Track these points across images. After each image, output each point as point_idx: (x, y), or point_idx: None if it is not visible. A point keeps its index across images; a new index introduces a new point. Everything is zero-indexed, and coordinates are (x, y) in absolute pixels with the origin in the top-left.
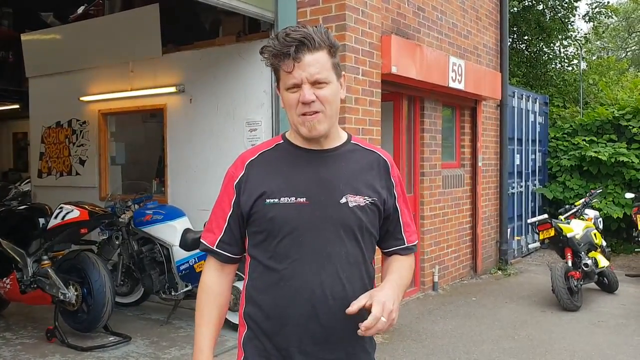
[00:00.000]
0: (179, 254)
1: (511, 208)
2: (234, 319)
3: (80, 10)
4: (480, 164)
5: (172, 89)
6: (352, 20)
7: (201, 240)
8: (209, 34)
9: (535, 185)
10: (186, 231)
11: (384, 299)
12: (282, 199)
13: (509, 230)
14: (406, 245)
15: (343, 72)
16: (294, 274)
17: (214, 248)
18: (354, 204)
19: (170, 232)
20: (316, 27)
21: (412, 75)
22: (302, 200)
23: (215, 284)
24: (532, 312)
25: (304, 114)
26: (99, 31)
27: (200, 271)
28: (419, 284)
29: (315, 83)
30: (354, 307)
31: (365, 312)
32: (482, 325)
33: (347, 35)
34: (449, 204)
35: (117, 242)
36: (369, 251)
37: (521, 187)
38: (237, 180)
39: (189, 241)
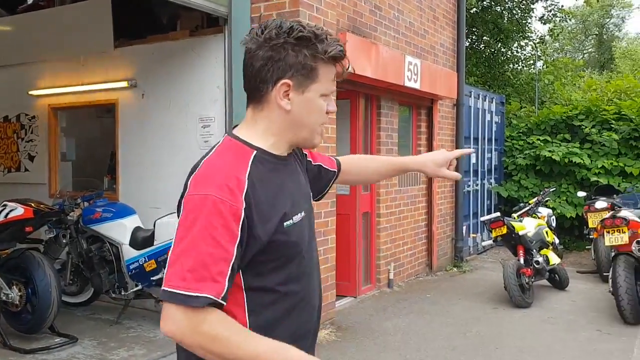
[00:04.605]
0: (128, 252)
1: (467, 206)
2: None
3: (29, 0)
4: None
5: (124, 84)
6: (307, 16)
7: (195, 294)
8: (167, 29)
9: (491, 183)
10: (136, 229)
11: (442, 152)
12: (294, 217)
13: (464, 227)
14: (335, 171)
15: None
16: (309, 290)
17: (220, 301)
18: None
19: (119, 231)
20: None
21: (368, 73)
22: (302, 214)
23: (224, 316)
24: (484, 309)
25: (323, 124)
26: (49, 23)
27: (151, 270)
28: (374, 281)
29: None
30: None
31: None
32: (434, 322)
33: None
34: (405, 201)
35: (64, 241)
36: None
37: (477, 185)
38: (242, 217)
39: (139, 240)
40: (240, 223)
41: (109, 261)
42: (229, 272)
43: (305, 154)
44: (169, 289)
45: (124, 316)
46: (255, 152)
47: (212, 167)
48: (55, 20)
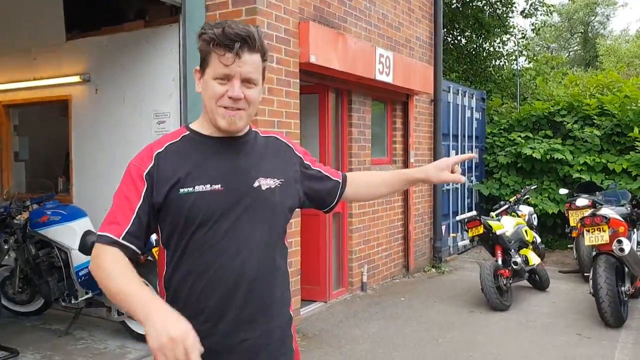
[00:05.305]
0: (78, 258)
1: (447, 205)
2: (141, 328)
3: None
4: (412, 160)
5: (77, 79)
6: (264, 3)
7: (101, 233)
8: (123, 20)
9: (472, 181)
10: (87, 233)
11: (443, 160)
12: (197, 187)
13: (443, 227)
14: (340, 181)
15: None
16: (213, 262)
17: (120, 240)
18: (266, 186)
19: (68, 235)
20: (257, 28)
21: (335, 65)
22: (217, 187)
23: (117, 253)
24: (460, 313)
25: (225, 107)
26: None
27: None
28: (346, 284)
29: (246, 81)
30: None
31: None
32: (407, 327)
33: (258, 19)
34: (380, 201)
35: (6, 247)
36: (282, 231)
37: (457, 183)
38: (146, 171)
39: (89, 244)
40: (145, 181)
41: (58, 267)
42: (133, 217)
43: (301, 157)
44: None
45: (76, 326)
46: (187, 132)
47: (147, 145)
48: (3, 11)
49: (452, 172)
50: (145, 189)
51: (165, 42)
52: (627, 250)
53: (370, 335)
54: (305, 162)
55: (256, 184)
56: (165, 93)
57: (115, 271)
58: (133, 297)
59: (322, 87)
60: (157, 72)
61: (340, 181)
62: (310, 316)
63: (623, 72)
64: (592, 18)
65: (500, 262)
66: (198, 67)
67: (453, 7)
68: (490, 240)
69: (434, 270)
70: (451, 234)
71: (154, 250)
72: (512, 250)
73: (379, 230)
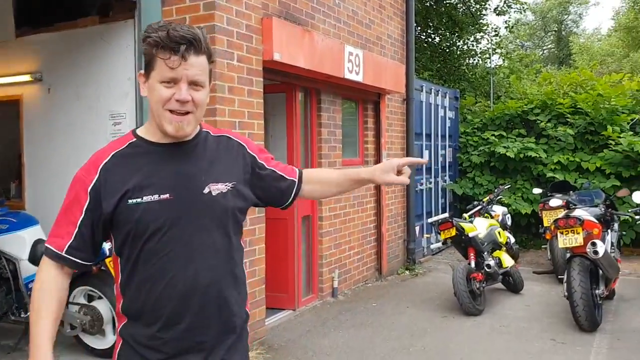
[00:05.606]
0: (27, 269)
1: (420, 205)
2: (95, 343)
3: None
4: (384, 160)
5: (28, 77)
6: None
7: (47, 245)
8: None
9: (445, 181)
10: (37, 242)
11: (389, 161)
12: (145, 197)
13: (417, 228)
14: (295, 180)
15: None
16: (165, 271)
17: (63, 254)
18: (217, 192)
19: (18, 244)
20: (202, 29)
21: (301, 64)
22: (166, 196)
23: (54, 279)
24: (432, 318)
25: (172, 111)
26: None
27: None
28: (316, 290)
29: (193, 84)
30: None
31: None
32: (377, 336)
33: (217, 14)
34: (351, 202)
35: None
36: (236, 235)
37: (430, 183)
38: (91, 186)
39: (39, 254)
40: (88, 195)
41: (6, 279)
42: (76, 231)
43: (255, 155)
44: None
45: (26, 341)
46: (133, 139)
47: (94, 153)
48: None
49: (401, 173)
50: (87, 203)
51: (121, 39)
52: (601, 253)
53: (339, 345)
54: (259, 161)
55: (206, 190)
56: (121, 92)
57: (36, 303)
58: (32, 339)
59: (289, 86)
60: (112, 71)
61: (296, 180)
62: (277, 326)
63: (596, 70)
64: (566, 16)
65: (473, 265)
66: (142, 71)
67: (426, 4)
68: (462, 243)
69: (407, 272)
70: (425, 235)
71: (107, 260)
72: (485, 253)
73: (350, 233)
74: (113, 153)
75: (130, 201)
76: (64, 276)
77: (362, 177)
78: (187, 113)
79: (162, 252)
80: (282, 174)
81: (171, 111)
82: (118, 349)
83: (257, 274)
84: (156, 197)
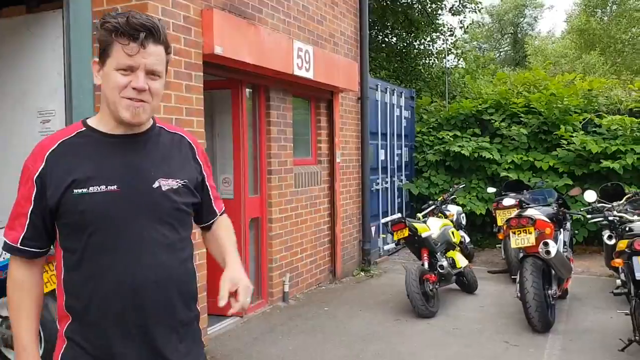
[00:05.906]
0: None
1: (376, 205)
2: None
3: None
4: (338, 159)
5: None
6: None
7: (4, 238)
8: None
9: (402, 180)
10: None
11: (245, 282)
12: (91, 188)
13: (373, 228)
14: (218, 214)
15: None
16: (111, 265)
17: (18, 246)
18: (167, 187)
19: None
20: (159, 20)
21: (245, 58)
22: (113, 188)
23: (27, 277)
24: (385, 322)
25: (130, 99)
26: None
27: None
28: (266, 296)
29: (150, 73)
30: (222, 301)
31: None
32: (327, 342)
33: (151, 4)
34: (304, 203)
35: None
36: (186, 231)
37: (386, 183)
38: (37, 174)
39: None
40: (35, 184)
41: None
42: (27, 222)
43: (201, 165)
44: None
45: None
46: (82, 129)
47: (40, 141)
48: None
49: (236, 297)
50: (35, 192)
51: (50, 30)
52: (553, 253)
53: (288, 353)
54: (203, 172)
55: (156, 185)
56: (50, 88)
57: (15, 302)
58: (18, 340)
59: (235, 82)
60: (40, 65)
61: (217, 217)
62: (222, 334)
63: (549, 70)
64: (521, 19)
65: (426, 265)
66: (97, 59)
67: (382, 3)
68: (415, 244)
69: (363, 274)
70: (381, 235)
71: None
72: (439, 253)
73: (303, 235)
74: (60, 141)
75: (75, 191)
76: (36, 270)
77: (224, 264)
78: (143, 101)
79: (108, 246)
80: (212, 204)
81: (129, 99)
82: (61, 352)
83: (199, 280)
84: (103, 187)
